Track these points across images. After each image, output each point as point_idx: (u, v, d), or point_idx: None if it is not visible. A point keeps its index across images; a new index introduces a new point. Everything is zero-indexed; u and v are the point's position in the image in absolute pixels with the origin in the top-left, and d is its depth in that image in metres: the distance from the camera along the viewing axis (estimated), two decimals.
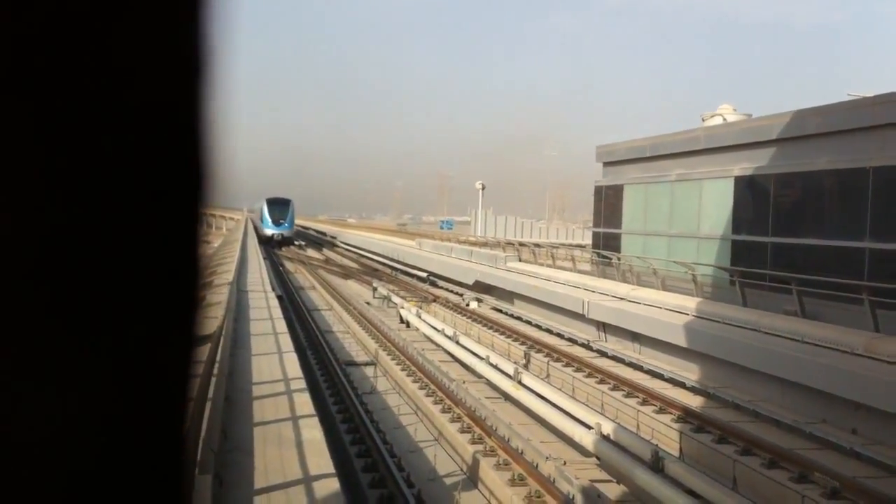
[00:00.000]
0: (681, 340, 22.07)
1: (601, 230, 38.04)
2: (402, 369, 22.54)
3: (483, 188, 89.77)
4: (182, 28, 0.87)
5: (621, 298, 27.50)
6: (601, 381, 21.12)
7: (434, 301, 38.08)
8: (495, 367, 21.20)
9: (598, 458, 14.63)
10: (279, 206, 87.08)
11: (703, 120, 35.72)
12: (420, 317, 29.89)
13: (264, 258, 46.18)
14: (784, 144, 25.40)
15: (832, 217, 23.08)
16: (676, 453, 15.97)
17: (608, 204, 37.33)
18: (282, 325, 19.16)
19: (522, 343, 26.67)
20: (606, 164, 38.43)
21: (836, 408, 16.59)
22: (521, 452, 14.79)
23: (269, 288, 27.54)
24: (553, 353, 24.70)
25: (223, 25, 0.89)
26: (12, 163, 0.79)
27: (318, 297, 41.31)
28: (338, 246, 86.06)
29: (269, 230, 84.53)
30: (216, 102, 0.89)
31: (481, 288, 38.65)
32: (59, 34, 0.79)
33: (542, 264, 40.24)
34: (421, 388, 20.00)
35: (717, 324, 21.98)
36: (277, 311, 21.61)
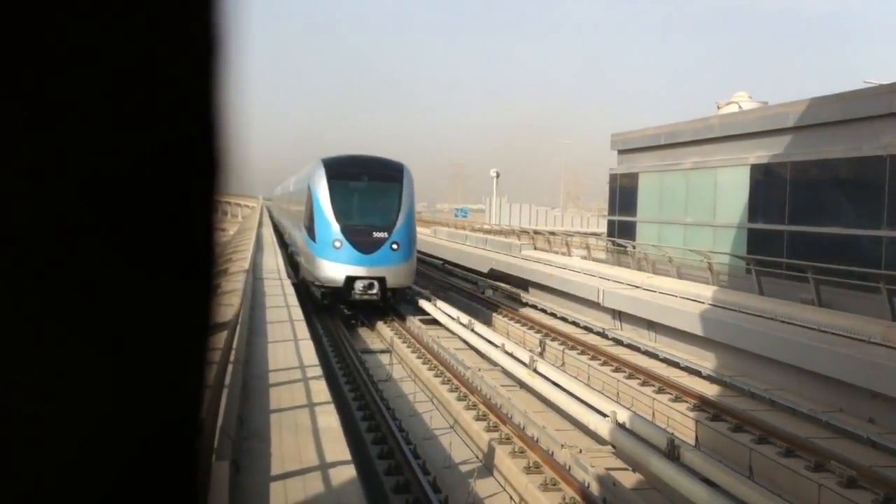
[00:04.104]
0: (697, 329, 22.01)
1: (616, 218, 37.96)
2: (418, 357, 22.55)
3: (497, 176, 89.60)
4: (195, 14, 0.87)
5: (637, 287, 27.43)
6: (616, 370, 21.10)
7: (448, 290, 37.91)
8: (510, 354, 21.19)
9: (613, 446, 14.62)
10: (372, 193, 28.34)
11: (719, 107, 35.59)
12: (435, 304, 29.89)
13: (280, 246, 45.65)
14: (800, 132, 25.28)
15: (849, 205, 22.97)
16: (692, 442, 15.95)
17: (623, 192, 37.24)
18: (298, 313, 19.20)
19: (538, 331, 26.66)
20: (621, 151, 38.32)
21: (852, 397, 16.53)
22: (537, 440, 14.79)
23: (284, 275, 27.65)
24: (568, 342, 24.68)
25: (236, 10, 0.89)
26: (26, 150, 0.79)
27: None
28: None
29: (339, 268, 26.96)
30: (230, 88, 0.89)
31: (496, 276, 38.63)
32: (72, 20, 0.79)
33: (556, 252, 40.17)
34: (436, 376, 20.02)
35: (733, 312, 21.91)
36: (293, 299, 21.65)
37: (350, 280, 26.58)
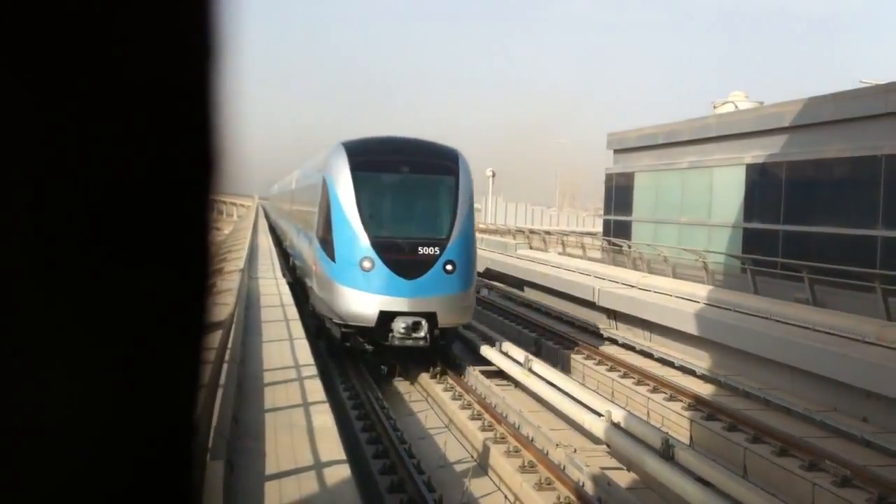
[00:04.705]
0: (691, 328, 22.04)
1: (612, 218, 38.01)
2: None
3: (493, 175, 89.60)
4: (190, 13, 0.86)
5: (632, 286, 27.45)
6: (611, 369, 21.12)
7: None
8: (506, 354, 21.21)
9: (608, 445, 14.63)
10: (416, 191, 20.61)
11: (715, 107, 35.65)
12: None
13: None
14: (796, 132, 25.32)
15: (844, 205, 23.00)
16: (687, 441, 15.97)
17: (619, 191, 37.29)
18: (293, 312, 19.19)
19: (532, 330, 26.66)
20: (617, 151, 38.36)
21: (846, 396, 16.56)
22: (532, 440, 14.80)
23: (279, 275, 27.57)
24: (564, 341, 24.68)
25: (232, 8, 0.89)
26: (20, 151, 0.79)
27: None
28: None
29: (369, 300, 18.79)
30: (226, 87, 0.89)
31: (492, 276, 38.64)
32: (67, 21, 0.79)
33: (552, 252, 40.21)
34: (432, 378, 20.00)
35: (727, 312, 21.94)
36: (288, 298, 21.62)
37: (386, 317, 18.48)
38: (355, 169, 19.41)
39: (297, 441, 9.69)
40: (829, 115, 23.62)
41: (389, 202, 20.34)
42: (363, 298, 18.61)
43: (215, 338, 9.56)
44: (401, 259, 18.72)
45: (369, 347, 19.49)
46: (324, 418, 10.68)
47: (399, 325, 18.46)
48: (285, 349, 14.83)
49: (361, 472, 12.45)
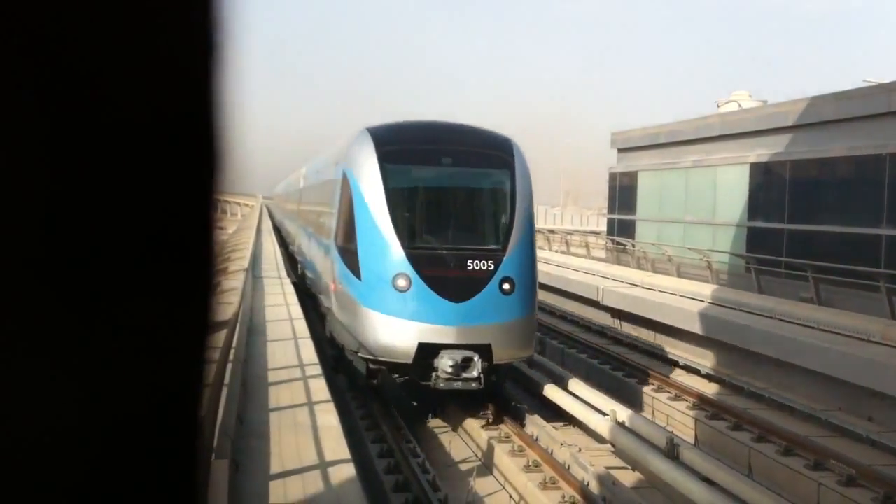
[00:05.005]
0: (696, 327, 22.02)
1: (616, 217, 38.00)
2: None
3: None
4: (194, 11, 0.86)
5: (636, 285, 27.44)
6: (616, 368, 21.10)
7: None
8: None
9: (612, 444, 14.61)
10: (462, 189, 16.89)
11: (718, 106, 35.65)
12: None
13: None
14: (800, 131, 25.29)
15: (849, 204, 22.98)
16: (691, 440, 15.95)
17: (623, 190, 37.28)
18: (297, 311, 19.18)
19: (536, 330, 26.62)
20: (621, 150, 38.34)
21: (851, 395, 16.53)
22: (536, 439, 14.78)
23: (284, 274, 27.54)
24: (568, 340, 24.67)
25: (236, 7, 0.89)
26: (24, 150, 0.79)
27: None
28: None
29: (405, 328, 14.79)
30: (229, 86, 0.89)
31: None
32: (72, 19, 0.79)
33: (556, 251, 40.20)
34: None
35: (732, 311, 21.91)
36: (293, 297, 21.62)
37: (427, 351, 14.64)
38: (385, 160, 15.47)
39: (301, 440, 9.69)
40: (832, 114, 23.59)
41: (429, 203, 16.41)
42: (397, 327, 14.74)
43: (220, 337, 9.58)
44: (445, 276, 14.83)
45: (401, 384, 15.51)
46: (328, 417, 10.68)
47: (445, 363, 14.46)
48: (290, 348, 14.82)
49: (366, 471, 12.45)
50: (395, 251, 14.86)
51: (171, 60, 0.85)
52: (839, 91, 23.82)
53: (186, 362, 0.91)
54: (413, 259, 14.79)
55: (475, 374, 14.49)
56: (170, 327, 0.89)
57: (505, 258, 15.00)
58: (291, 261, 32.17)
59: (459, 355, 14.47)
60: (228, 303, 13.54)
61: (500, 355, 15.00)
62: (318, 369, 13.37)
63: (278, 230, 49.24)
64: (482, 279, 14.82)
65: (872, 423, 15.59)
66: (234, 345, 11.62)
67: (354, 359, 16.11)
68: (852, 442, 14.78)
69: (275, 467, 8.74)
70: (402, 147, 16.12)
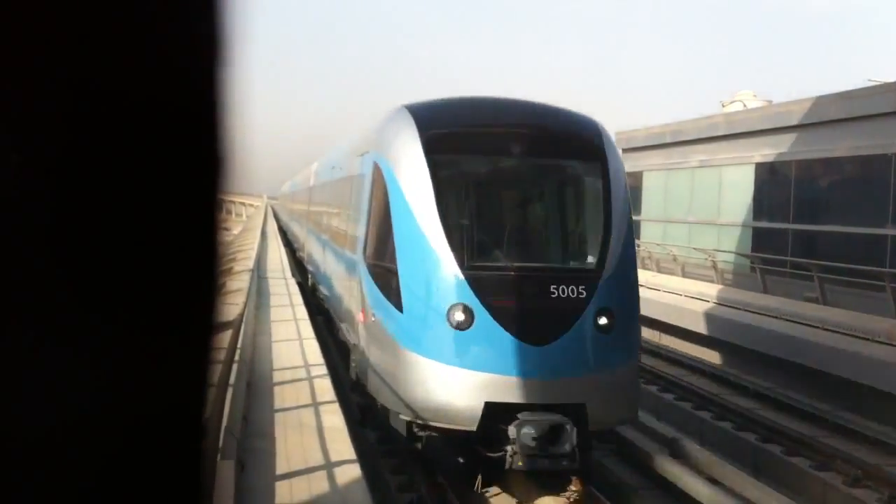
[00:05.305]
0: (701, 327, 21.99)
1: None
2: None
3: None
4: (199, 14, 0.87)
5: (641, 285, 27.36)
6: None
7: None
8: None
9: (616, 444, 14.59)
10: (537, 188, 12.70)
11: (723, 106, 35.56)
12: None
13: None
14: (805, 130, 25.24)
15: (854, 204, 22.93)
16: (697, 440, 15.93)
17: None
18: (302, 312, 19.18)
19: None
20: (625, 150, 38.20)
21: (857, 395, 16.50)
22: None
23: (289, 275, 27.50)
24: None
25: (241, 8, 0.89)
26: (32, 151, 0.79)
27: None
28: None
29: (464, 380, 10.38)
30: (234, 87, 0.89)
31: None
32: (78, 22, 0.79)
33: None
34: None
35: (737, 311, 21.88)
36: (298, 298, 21.62)
37: (498, 414, 10.56)
38: (433, 149, 11.37)
39: (307, 441, 9.70)
40: (837, 113, 23.54)
41: (495, 205, 12.66)
42: (454, 379, 10.55)
43: (225, 338, 9.59)
44: (522, 308, 10.73)
45: (459, 458, 11.37)
46: (334, 418, 10.68)
47: (525, 434, 10.18)
48: (295, 349, 14.83)
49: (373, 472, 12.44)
50: (451, 272, 10.70)
51: (176, 62, 0.85)
52: (844, 91, 23.78)
53: (192, 362, 0.92)
54: (476, 283, 10.64)
55: (567, 447, 10.18)
56: (175, 328, 0.89)
57: (601, 282, 10.92)
58: (300, 267, 29.86)
59: (545, 421, 10.19)
60: (234, 303, 13.55)
61: (600, 418, 10.79)
62: (323, 369, 13.37)
63: (285, 235, 47.02)
64: (572, 312, 10.67)
65: (879, 423, 15.56)
66: (239, 345, 11.62)
67: (391, 415, 11.51)
68: (858, 442, 14.75)
69: (280, 468, 8.74)
70: (455, 130, 11.96)
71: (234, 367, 10.26)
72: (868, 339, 17.35)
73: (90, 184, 0.81)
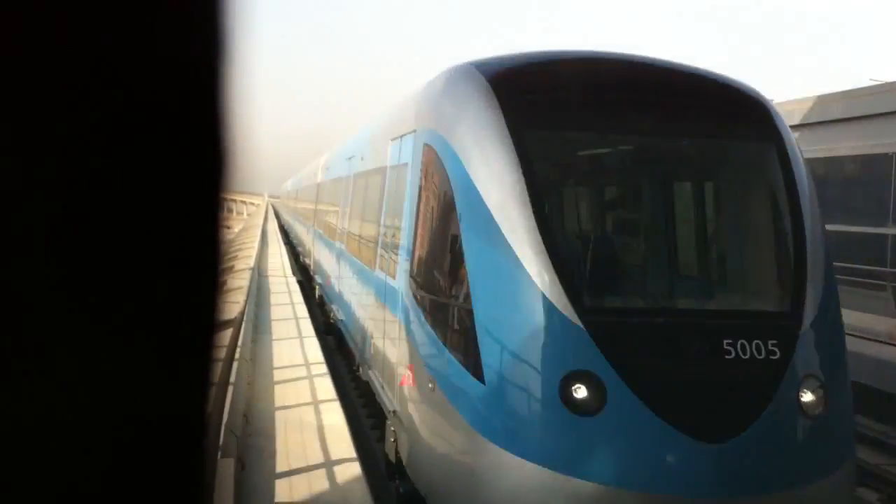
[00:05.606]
0: None
1: None
2: None
3: None
4: (200, 10, 0.86)
5: None
6: None
7: None
8: None
9: None
10: (685, 183, 8.10)
11: None
12: None
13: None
14: (806, 130, 25.21)
15: (854, 203, 22.91)
16: None
17: None
18: (303, 310, 19.18)
19: None
20: None
21: (858, 395, 16.48)
22: None
23: (289, 273, 27.50)
24: None
25: (242, 5, 0.89)
26: (34, 148, 0.79)
27: None
28: None
29: (584, 494, 5.65)
30: (236, 85, 0.89)
31: None
32: (78, 18, 0.79)
33: None
34: None
35: None
36: (298, 296, 21.62)
37: None
38: (525, 123, 7.29)
39: (307, 439, 9.70)
40: (838, 113, 23.53)
41: (625, 213, 9.24)
42: (573, 497, 6.17)
43: (226, 336, 9.59)
44: (682, 379, 6.50)
45: None
46: (334, 417, 10.69)
47: None
48: (295, 347, 14.84)
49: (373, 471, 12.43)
50: (564, 318, 6.46)
51: (177, 59, 0.85)
52: (845, 90, 23.76)
53: (193, 361, 0.92)
54: (607, 338, 6.45)
55: None
56: (176, 326, 0.89)
57: (802, 331, 6.96)
58: (303, 271, 28.08)
59: None
60: (234, 301, 13.55)
61: None
62: (323, 368, 13.37)
63: (286, 234, 45.09)
64: (762, 384, 6.56)
65: (880, 424, 15.53)
66: (239, 343, 11.63)
67: None
68: (859, 442, 14.71)
69: (281, 466, 8.75)
70: (555, 97, 7.68)
71: (235, 365, 10.26)
72: (868, 340, 17.34)
73: (91, 182, 0.81)
